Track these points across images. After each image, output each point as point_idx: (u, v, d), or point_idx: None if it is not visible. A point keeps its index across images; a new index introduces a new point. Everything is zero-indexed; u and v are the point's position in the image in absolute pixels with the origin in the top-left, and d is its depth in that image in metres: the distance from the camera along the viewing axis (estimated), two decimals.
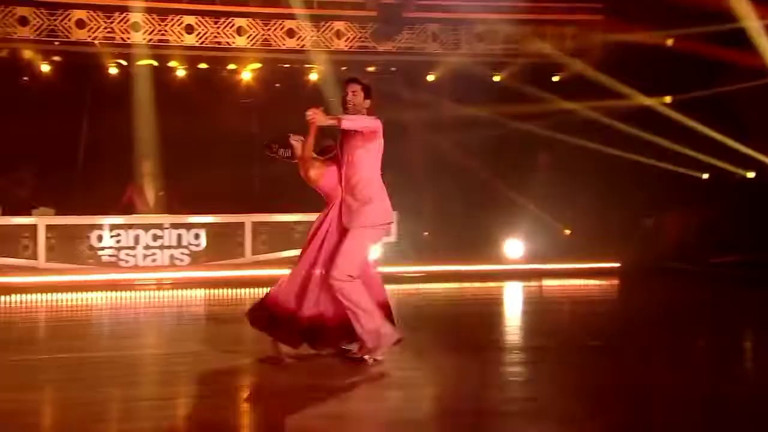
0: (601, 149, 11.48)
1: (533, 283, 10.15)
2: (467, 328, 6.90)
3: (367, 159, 5.15)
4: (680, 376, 4.86)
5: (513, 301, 9.45)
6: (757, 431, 3.82)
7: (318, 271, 5.05)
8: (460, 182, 11.87)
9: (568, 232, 11.78)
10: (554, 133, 11.54)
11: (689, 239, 11.49)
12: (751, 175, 11.13)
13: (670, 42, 10.98)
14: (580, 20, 11.77)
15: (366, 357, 5.03)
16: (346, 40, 11.67)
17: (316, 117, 4.94)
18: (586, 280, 10.37)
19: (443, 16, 11.69)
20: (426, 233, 11.76)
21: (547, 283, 10.30)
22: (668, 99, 11.43)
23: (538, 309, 8.96)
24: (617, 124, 11.35)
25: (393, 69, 12.31)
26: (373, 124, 5.11)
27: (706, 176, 11.64)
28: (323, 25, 11.54)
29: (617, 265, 10.71)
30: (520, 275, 10.48)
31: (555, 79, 12.18)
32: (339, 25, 11.60)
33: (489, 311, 8.15)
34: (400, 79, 12.12)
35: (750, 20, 8.95)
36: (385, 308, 5.19)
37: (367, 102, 5.26)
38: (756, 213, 10.51)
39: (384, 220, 5.20)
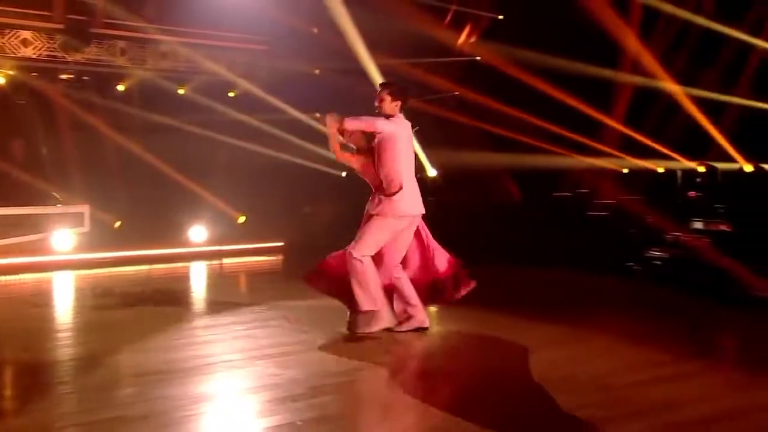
0: (270, 153, 12.32)
1: (215, 262, 10.48)
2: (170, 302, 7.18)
3: (385, 156, 4.97)
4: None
5: (198, 278, 9.64)
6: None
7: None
8: (151, 179, 11.81)
9: (242, 218, 12.33)
10: (231, 139, 12.07)
11: (335, 222, 12.88)
12: None
13: (317, 71, 12.15)
14: (248, 48, 12.41)
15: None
16: (33, 48, 10.87)
17: (324, 124, 4.93)
18: (257, 257, 11.00)
19: (130, 35, 11.54)
20: (118, 223, 11.45)
21: (227, 261, 10.69)
22: (318, 115, 12.53)
23: (218, 282, 9.24)
24: (281, 133, 12.27)
25: (85, 78, 11.78)
26: (373, 123, 4.92)
27: (344, 174, 13.05)
28: (8, 33, 10.61)
29: (281, 244, 11.48)
30: (204, 256, 10.77)
31: (231, 94, 12.71)
32: (26, 34, 10.76)
33: (180, 287, 8.45)
34: (93, 87, 11.70)
35: (368, 61, 10.36)
36: (389, 292, 5.18)
37: (396, 103, 5.03)
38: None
39: (404, 212, 5.01)
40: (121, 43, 11.58)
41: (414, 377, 4.44)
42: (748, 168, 9.74)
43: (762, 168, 9.54)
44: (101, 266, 9.75)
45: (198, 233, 11.28)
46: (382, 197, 4.97)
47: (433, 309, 5.94)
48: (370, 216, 5.05)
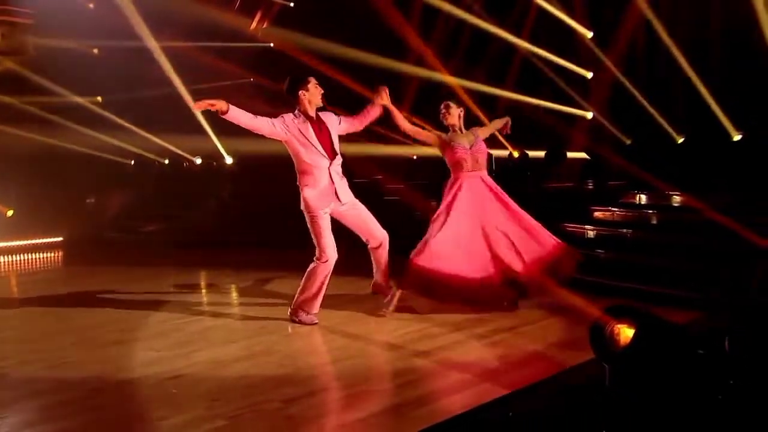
0: (42, 139, 11.08)
1: None
2: None
3: None
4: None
5: None
6: None
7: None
8: None
9: (11, 213, 11.08)
10: None
11: (124, 213, 12.12)
12: (166, 161, 12.25)
13: (96, 50, 11.18)
14: (10, 21, 11.03)
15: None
16: None
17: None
18: (31, 254, 10.02)
19: None
20: None
21: None
22: (99, 99, 11.59)
23: None
24: (56, 118, 11.12)
25: None
26: None
27: (132, 162, 12.28)
28: None
29: (60, 239, 10.61)
30: None
31: None
32: None
33: None
34: None
35: (153, 42, 9.74)
36: None
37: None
38: (170, 191, 11.77)
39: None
40: None
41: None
42: (516, 154, 10.98)
43: (526, 154, 10.82)
44: None
45: None
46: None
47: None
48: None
